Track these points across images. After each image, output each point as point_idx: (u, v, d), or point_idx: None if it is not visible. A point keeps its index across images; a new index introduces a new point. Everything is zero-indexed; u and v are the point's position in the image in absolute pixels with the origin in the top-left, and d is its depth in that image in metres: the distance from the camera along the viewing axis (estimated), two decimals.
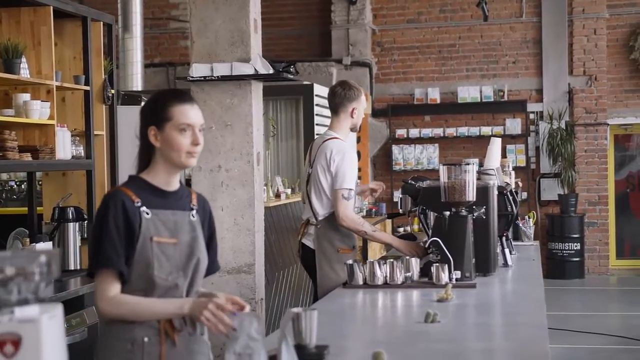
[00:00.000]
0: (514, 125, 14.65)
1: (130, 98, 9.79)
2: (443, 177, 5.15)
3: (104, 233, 3.14)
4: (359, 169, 6.02)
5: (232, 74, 6.35)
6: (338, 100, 5.95)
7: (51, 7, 6.08)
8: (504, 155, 13.49)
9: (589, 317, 11.22)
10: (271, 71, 6.37)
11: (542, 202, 14.73)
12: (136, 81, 11.82)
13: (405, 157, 14.91)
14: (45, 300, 2.01)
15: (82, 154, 6.45)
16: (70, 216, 6.27)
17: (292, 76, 6.66)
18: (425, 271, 5.08)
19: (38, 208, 6.63)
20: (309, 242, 5.90)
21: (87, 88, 6.46)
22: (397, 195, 14.65)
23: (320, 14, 15.43)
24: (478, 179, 5.47)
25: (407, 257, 5.13)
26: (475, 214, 5.24)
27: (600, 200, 14.61)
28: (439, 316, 3.94)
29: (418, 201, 5.56)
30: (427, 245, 5.19)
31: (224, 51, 6.42)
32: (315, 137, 10.46)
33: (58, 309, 2.00)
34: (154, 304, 3.17)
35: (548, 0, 14.61)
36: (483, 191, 5.33)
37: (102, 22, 6.87)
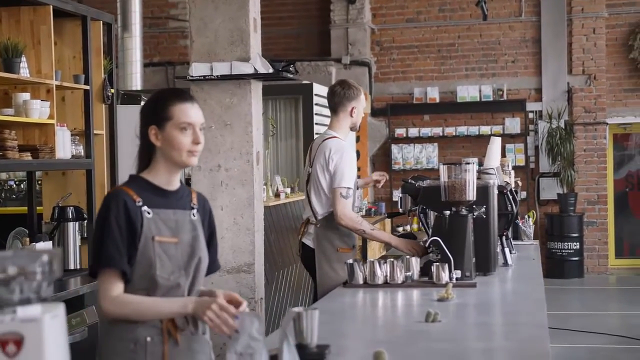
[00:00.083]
0: (513, 124, 14.65)
1: (130, 97, 9.79)
2: (443, 176, 5.15)
3: (106, 233, 3.14)
4: (359, 169, 6.02)
5: (232, 73, 6.35)
6: (337, 99, 5.95)
7: (51, 7, 6.08)
8: (503, 155, 13.48)
9: (588, 316, 11.22)
10: (271, 70, 6.37)
11: (542, 201, 14.73)
12: (135, 80, 11.82)
13: (405, 156, 14.91)
14: (47, 299, 2.01)
15: (82, 154, 6.44)
16: (70, 216, 6.26)
17: (291, 75, 6.66)
18: (425, 271, 5.08)
19: (38, 207, 6.63)
20: (309, 241, 5.91)
21: (87, 87, 6.46)
22: (397, 194, 14.63)
23: (320, 13, 15.43)
24: (478, 178, 5.46)
25: (408, 257, 5.13)
26: (476, 214, 5.25)
27: (599, 200, 14.61)
28: (440, 315, 3.94)
29: (418, 200, 5.56)
30: (427, 245, 5.18)
31: (223, 50, 6.41)
32: (315, 136, 10.50)
33: (60, 309, 2.00)
34: (157, 303, 3.17)
35: None
36: (483, 190, 5.33)
37: (101, 22, 6.86)
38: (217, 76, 6.35)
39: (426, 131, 14.89)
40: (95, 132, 6.59)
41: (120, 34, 11.77)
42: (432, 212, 5.55)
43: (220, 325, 3.03)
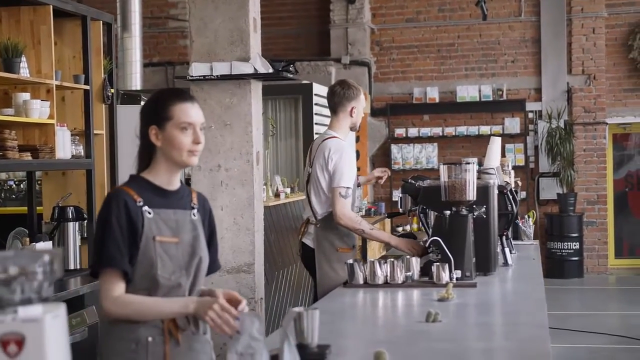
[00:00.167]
0: (512, 124, 14.65)
1: (130, 97, 9.79)
2: (443, 176, 5.15)
3: (107, 232, 3.13)
4: (358, 169, 6.02)
5: (232, 73, 6.35)
6: (337, 99, 5.96)
7: (51, 7, 6.08)
8: (502, 155, 13.49)
9: (588, 316, 11.22)
10: (271, 70, 6.37)
11: (541, 201, 14.73)
12: (135, 80, 11.82)
13: (404, 156, 14.91)
14: (48, 299, 2.01)
15: (82, 154, 6.44)
16: (70, 216, 6.26)
17: (291, 75, 6.66)
18: (425, 271, 5.08)
19: (38, 208, 6.62)
20: (309, 241, 5.92)
21: (87, 87, 6.45)
22: (396, 194, 14.64)
23: (319, 13, 15.43)
24: (478, 178, 5.46)
25: (408, 257, 5.13)
26: (476, 213, 5.25)
27: (599, 200, 14.61)
28: (440, 315, 3.94)
29: (418, 200, 5.56)
30: (427, 245, 5.18)
31: (223, 50, 6.41)
32: (315, 136, 10.50)
33: (61, 309, 1.99)
34: (158, 303, 3.17)
35: None
36: (483, 190, 5.33)
37: (101, 22, 6.86)
38: (217, 76, 6.35)
39: (426, 131, 14.90)
40: (95, 132, 6.59)
41: (119, 34, 11.77)
42: (432, 212, 5.55)
43: (221, 325, 3.04)
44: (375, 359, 3.06)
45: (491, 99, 14.75)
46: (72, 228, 6.25)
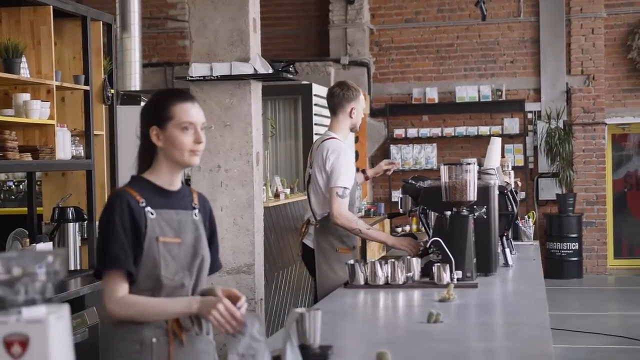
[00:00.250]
0: (512, 124, 14.66)
1: (130, 98, 9.78)
2: (444, 176, 5.15)
3: (111, 233, 3.13)
4: (357, 169, 6.02)
5: (232, 73, 6.34)
6: (336, 100, 5.97)
7: (51, 7, 6.06)
8: (502, 155, 13.49)
9: (587, 316, 11.22)
10: (270, 71, 6.37)
11: (540, 201, 14.74)
12: (134, 81, 11.80)
13: (404, 156, 14.91)
14: (52, 300, 2.01)
15: (82, 154, 6.43)
16: (70, 216, 6.26)
17: (291, 76, 6.66)
18: (426, 271, 5.08)
19: (37, 208, 6.61)
20: (309, 242, 5.92)
21: (87, 88, 6.44)
22: (396, 195, 14.64)
23: (318, 14, 15.43)
24: (478, 178, 5.46)
25: (408, 257, 5.13)
26: (476, 214, 5.25)
27: (598, 200, 14.62)
28: (442, 316, 3.94)
29: (419, 201, 5.56)
30: (428, 245, 5.18)
31: (223, 51, 6.42)
32: (314, 137, 10.51)
33: (65, 310, 1.99)
34: (162, 303, 3.16)
35: None
36: (484, 191, 5.33)
37: (101, 22, 6.85)
38: (217, 76, 6.35)
39: (425, 131, 14.90)
40: (95, 132, 6.58)
41: (119, 35, 11.75)
42: (432, 212, 5.55)
43: (224, 325, 3.03)
44: (377, 359, 3.06)
45: (490, 99, 14.75)
46: (72, 229, 6.25)
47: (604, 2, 14.56)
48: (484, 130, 14.59)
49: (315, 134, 10.86)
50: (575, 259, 14.24)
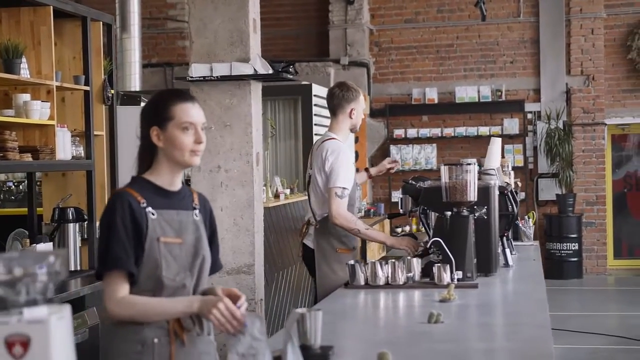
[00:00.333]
0: (511, 125, 14.66)
1: (130, 98, 9.78)
2: (444, 177, 5.15)
3: (112, 234, 3.12)
4: (357, 169, 6.01)
5: (232, 74, 6.34)
6: (336, 101, 5.99)
7: (51, 7, 6.06)
8: (502, 155, 13.48)
9: (587, 317, 11.22)
10: (270, 71, 6.37)
11: (540, 202, 14.74)
12: (134, 81, 11.79)
13: (403, 157, 14.91)
14: (52, 301, 2.00)
15: (82, 155, 6.43)
16: (71, 217, 6.25)
17: (291, 76, 6.66)
18: (426, 271, 5.08)
19: (38, 209, 6.61)
20: (309, 242, 5.93)
21: (87, 88, 6.44)
22: (395, 195, 14.63)
23: (318, 14, 15.43)
24: (479, 179, 5.46)
25: (409, 258, 5.13)
26: (477, 214, 5.24)
27: (598, 200, 14.62)
28: (442, 316, 3.93)
29: (419, 201, 5.56)
30: (428, 246, 5.18)
31: (223, 51, 6.41)
32: (314, 137, 10.51)
33: (66, 310, 1.99)
34: (163, 303, 3.16)
35: (546, 0, 14.62)
36: (484, 191, 5.33)
37: (101, 22, 6.85)
38: (217, 77, 6.34)
39: (425, 132, 14.90)
40: (95, 133, 6.57)
41: (118, 35, 11.74)
42: (433, 212, 5.55)
43: (225, 324, 3.03)
44: (378, 359, 3.05)
45: (490, 99, 14.76)
46: (73, 229, 6.25)
47: (604, 3, 14.56)
48: (484, 130, 14.59)
49: (315, 134, 10.86)
50: (575, 259, 14.25)
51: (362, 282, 4.96)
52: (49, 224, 6.35)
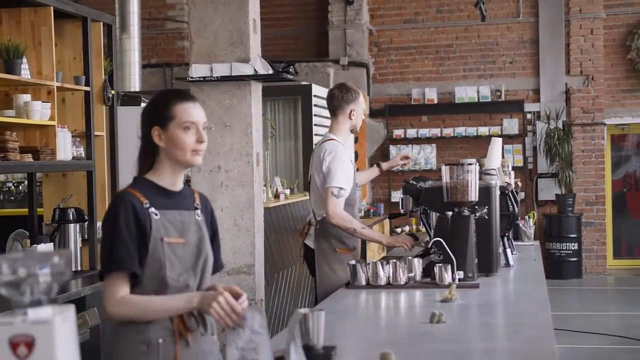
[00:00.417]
0: (511, 125, 14.66)
1: (130, 99, 9.77)
2: (445, 177, 5.15)
3: (116, 236, 3.11)
4: (357, 169, 6.01)
5: (232, 74, 6.34)
6: (336, 102, 6.01)
7: (51, 8, 6.06)
8: (502, 155, 13.47)
9: (587, 317, 11.23)
10: (271, 71, 6.37)
11: (540, 202, 14.74)
12: (134, 82, 11.78)
13: None
14: (57, 301, 2.00)
15: (83, 155, 6.43)
16: (71, 217, 6.25)
17: (291, 76, 6.66)
18: (427, 272, 5.08)
19: (38, 209, 6.61)
20: (310, 242, 5.94)
21: (88, 89, 6.44)
22: (395, 195, 14.61)
23: (317, 14, 15.43)
24: (479, 179, 5.46)
25: (410, 258, 5.13)
26: (478, 214, 5.24)
27: (597, 200, 14.62)
28: (444, 316, 3.93)
29: (420, 201, 5.56)
30: (429, 245, 5.18)
31: (223, 51, 6.41)
32: (314, 137, 10.51)
33: (70, 311, 1.99)
34: (162, 300, 3.15)
35: (545, 0, 14.62)
36: (485, 191, 5.34)
37: (102, 23, 6.85)
38: (217, 77, 6.34)
39: (424, 132, 14.90)
40: (95, 133, 6.57)
41: (118, 36, 11.74)
42: (434, 213, 5.55)
43: (225, 317, 3.02)
44: (381, 359, 3.05)
45: (489, 99, 14.76)
46: (73, 230, 6.25)
47: (603, 3, 14.56)
48: (483, 130, 14.60)
49: (315, 134, 10.86)
50: (575, 259, 14.25)
51: (364, 282, 4.97)
52: (49, 225, 6.35)
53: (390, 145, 14.96)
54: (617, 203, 15.13)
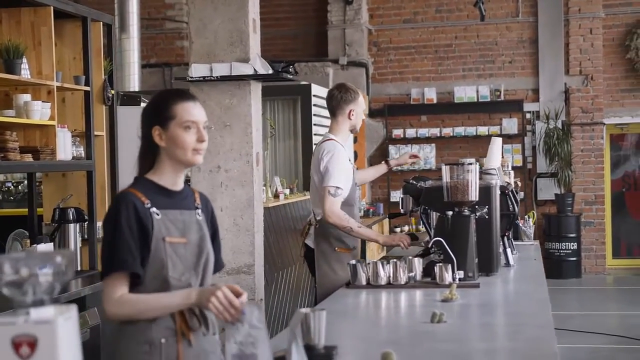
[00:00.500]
0: (510, 125, 14.66)
1: (130, 99, 9.76)
2: (446, 177, 5.15)
3: (118, 236, 3.11)
4: (357, 168, 6.02)
5: (232, 74, 6.34)
6: (335, 103, 6.01)
7: (51, 8, 6.06)
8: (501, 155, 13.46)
9: (587, 316, 11.23)
10: (270, 71, 6.37)
11: (539, 201, 14.74)
12: (133, 82, 11.78)
13: None
14: (59, 301, 2.00)
15: (83, 155, 6.43)
16: (71, 217, 6.25)
17: (291, 76, 6.66)
18: (428, 271, 5.08)
19: (38, 209, 6.60)
20: (310, 242, 5.94)
21: (87, 89, 6.44)
22: (395, 195, 14.61)
23: (317, 14, 15.43)
24: (479, 178, 5.46)
25: (410, 257, 5.13)
26: (478, 214, 5.24)
27: (596, 200, 14.63)
28: (445, 316, 3.93)
29: (420, 201, 5.56)
30: (430, 245, 5.18)
31: (223, 51, 6.41)
32: (314, 137, 10.51)
33: (73, 310, 1.99)
34: (160, 297, 3.14)
35: (544, 0, 14.62)
36: (485, 191, 5.34)
37: (101, 23, 6.85)
38: (217, 77, 6.34)
39: (424, 132, 14.90)
40: (95, 133, 6.57)
41: (117, 36, 11.73)
42: (434, 212, 5.55)
43: (223, 312, 3.01)
44: (382, 359, 3.05)
45: (489, 99, 14.76)
46: (73, 229, 6.25)
47: (602, 2, 14.56)
48: (483, 130, 14.60)
49: (315, 134, 10.86)
50: (574, 258, 14.25)
51: (364, 282, 4.97)
52: (49, 225, 6.35)
53: (390, 145, 14.96)
54: (617, 203, 15.14)
